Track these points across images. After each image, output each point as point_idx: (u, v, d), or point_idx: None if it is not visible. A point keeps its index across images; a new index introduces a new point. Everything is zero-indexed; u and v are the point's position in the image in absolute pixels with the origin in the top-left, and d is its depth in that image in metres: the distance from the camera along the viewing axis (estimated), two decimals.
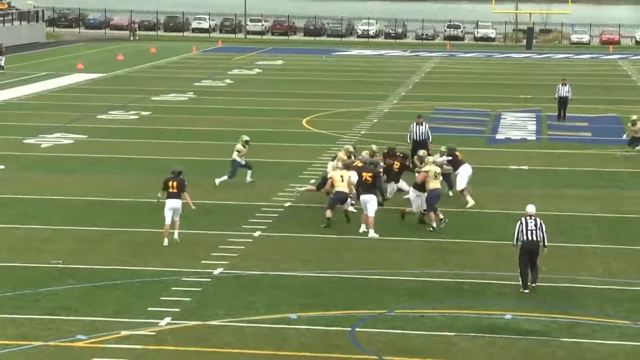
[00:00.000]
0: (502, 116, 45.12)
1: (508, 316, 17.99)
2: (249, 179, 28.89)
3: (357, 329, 17.26)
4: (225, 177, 28.78)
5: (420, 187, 24.25)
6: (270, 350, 16.29)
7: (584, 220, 25.64)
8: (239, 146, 28.96)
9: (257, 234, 23.77)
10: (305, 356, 16.11)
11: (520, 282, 19.47)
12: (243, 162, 28.97)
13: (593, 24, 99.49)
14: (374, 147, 27.77)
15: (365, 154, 26.85)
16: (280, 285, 19.83)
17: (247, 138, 29.39)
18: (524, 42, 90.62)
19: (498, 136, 39.87)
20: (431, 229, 23.95)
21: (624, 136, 34.97)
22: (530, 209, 19.89)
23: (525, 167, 32.82)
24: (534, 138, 39.37)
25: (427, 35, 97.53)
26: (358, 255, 22.17)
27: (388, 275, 20.54)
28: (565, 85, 43.63)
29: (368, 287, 19.85)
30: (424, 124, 30.71)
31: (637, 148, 34.31)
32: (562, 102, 43.47)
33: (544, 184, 30.22)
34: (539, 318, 17.98)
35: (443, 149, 27.80)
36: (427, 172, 24.14)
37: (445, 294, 19.43)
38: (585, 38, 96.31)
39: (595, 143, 37.71)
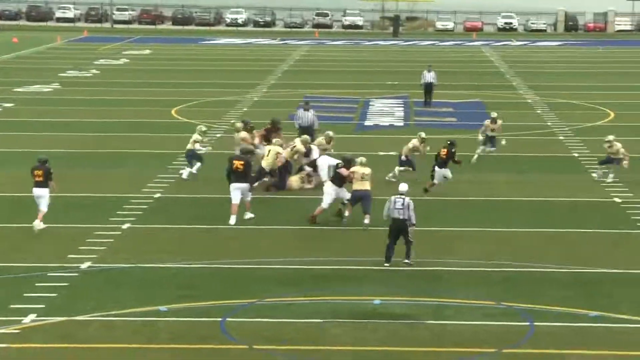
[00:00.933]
0: (370, 103, 45.57)
1: (377, 301, 18.18)
2: (194, 171, 28.15)
3: (227, 319, 17.19)
4: (189, 170, 28.06)
5: (340, 182, 23.69)
6: (139, 344, 16.08)
7: (453, 203, 26.07)
8: (197, 136, 28.27)
9: (125, 226, 23.45)
10: (175, 348, 15.96)
11: (385, 256, 20.12)
12: (200, 152, 28.30)
13: (457, 11, 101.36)
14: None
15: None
16: (150, 278, 19.60)
17: (205, 128, 28.93)
18: (391, 29, 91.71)
19: (367, 123, 40.25)
20: (344, 218, 23.65)
21: (480, 135, 32.51)
22: (402, 187, 20.51)
23: (393, 153, 33.16)
24: (401, 124, 39.90)
25: (295, 23, 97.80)
26: (229, 245, 22.08)
27: (259, 264, 20.50)
28: (431, 71, 44.33)
29: (239, 276, 19.78)
30: (310, 110, 31.06)
31: (491, 149, 32.16)
32: (428, 88, 44.17)
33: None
34: (407, 302, 18.21)
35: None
36: (353, 172, 23.45)
37: (316, 281, 19.51)
38: (450, 25, 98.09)
39: (461, 128, 38.41)
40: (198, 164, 28.25)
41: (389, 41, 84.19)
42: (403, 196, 20.25)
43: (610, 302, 18.17)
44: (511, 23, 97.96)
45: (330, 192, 23.67)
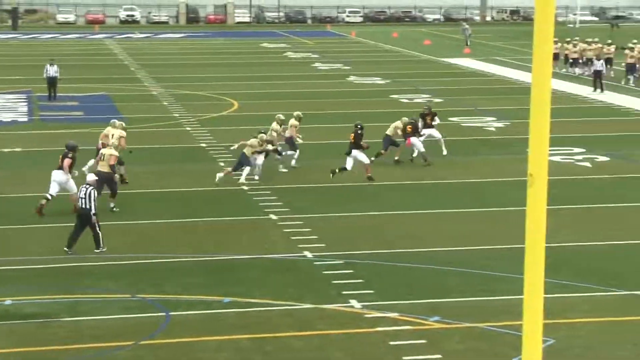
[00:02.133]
0: None
1: (8, 302, 17.63)
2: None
3: None
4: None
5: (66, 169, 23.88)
6: None
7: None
8: (109, 129, 27.19)
9: None
10: None
11: (67, 243, 20.47)
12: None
13: (78, 4, 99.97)
14: (282, 116, 29.43)
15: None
16: None
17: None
18: (10, 22, 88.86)
19: None
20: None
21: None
22: (88, 178, 21.20)
23: (18, 149, 32.28)
24: (25, 119, 38.85)
25: None
26: None
27: None
28: (53, 65, 43.52)
29: None
30: None
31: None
32: (51, 82, 43.34)
33: (34, 165, 29.86)
34: (41, 301, 17.81)
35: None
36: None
37: None
38: (71, 18, 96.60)
39: (87, 122, 38.02)
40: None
41: (9, 34, 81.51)
42: (88, 186, 20.66)
43: (241, 287, 18.73)
44: (133, 15, 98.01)
45: (55, 178, 23.65)
